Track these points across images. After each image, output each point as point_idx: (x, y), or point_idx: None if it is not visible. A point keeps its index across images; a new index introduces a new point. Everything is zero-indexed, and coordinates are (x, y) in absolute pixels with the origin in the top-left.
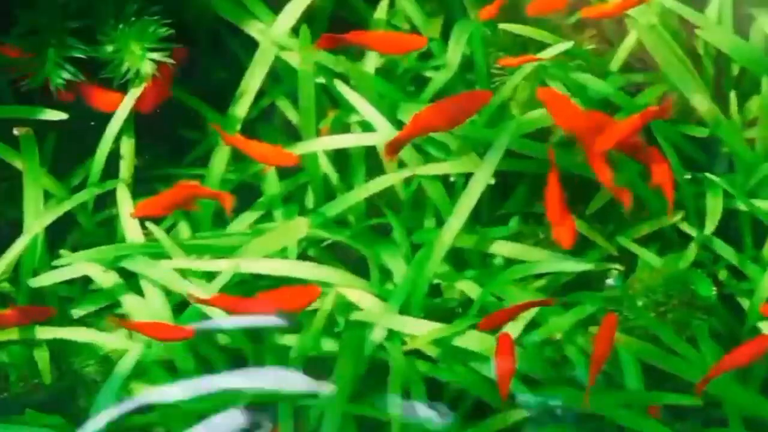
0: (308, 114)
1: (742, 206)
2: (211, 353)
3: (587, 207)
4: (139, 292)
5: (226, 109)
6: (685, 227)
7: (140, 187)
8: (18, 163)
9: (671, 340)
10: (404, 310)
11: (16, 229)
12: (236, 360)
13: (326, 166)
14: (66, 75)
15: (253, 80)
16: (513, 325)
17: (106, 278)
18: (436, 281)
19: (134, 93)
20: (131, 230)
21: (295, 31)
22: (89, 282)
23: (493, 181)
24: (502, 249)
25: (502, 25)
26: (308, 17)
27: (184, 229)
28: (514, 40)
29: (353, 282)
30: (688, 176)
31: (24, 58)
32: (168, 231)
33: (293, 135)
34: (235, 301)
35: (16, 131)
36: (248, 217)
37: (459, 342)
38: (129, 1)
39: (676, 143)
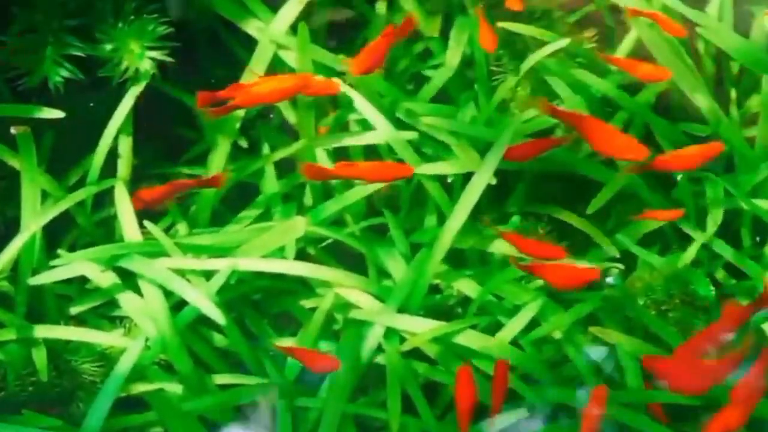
0: (307, 113)
1: (742, 205)
2: (208, 355)
3: (587, 206)
4: (138, 291)
5: None
6: (685, 227)
7: (138, 186)
8: (15, 162)
9: (672, 339)
10: (403, 310)
11: (14, 228)
12: (232, 362)
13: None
14: (64, 73)
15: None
16: (512, 324)
17: (104, 277)
18: (435, 281)
19: (134, 91)
20: (129, 229)
21: (293, 29)
22: (88, 281)
23: (494, 181)
24: (501, 248)
25: (501, 24)
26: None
27: (182, 228)
28: (514, 38)
29: (352, 281)
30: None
31: (22, 56)
32: (166, 230)
33: (292, 134)
34: None
35: (13, 130)
36: (246, 216)
37: (458, 340)
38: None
39: (677, 142)
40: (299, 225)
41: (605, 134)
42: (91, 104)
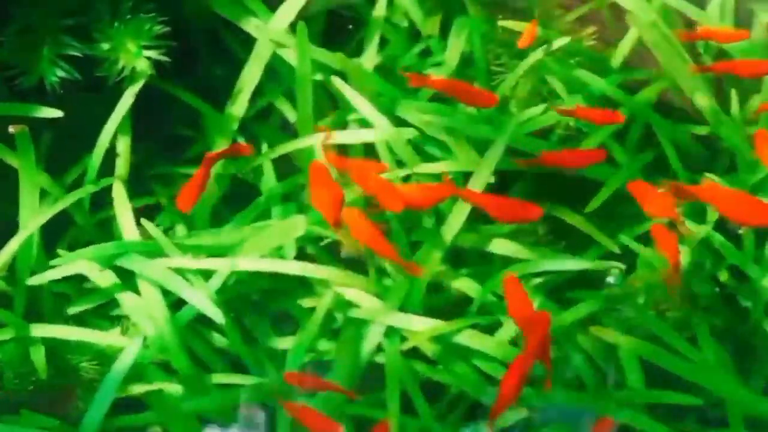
0: (306, 112)
1: None
2: (207, 354)
3: (587, 205)
4: (137, 291)
5: (224, 107)
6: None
7: (137, 185)
8: (13, 161)
9: (672, 339)
10: (403, 309)
11: (12, 227)
12: (232, 362)
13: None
14: (61, 73)
15: (250, 77)
16: (508, 324)
17: (102, 277)
18: (435, 280)
19: (132, 91)
20: (128, 228)
21: (293, 28)
22: (86, 280)
23: (492, 180)
24: (501, 247)
25: (501, 22)
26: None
27: (181, 228)
28: (513, 37)
29: (351, 280)
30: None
31: (19, 55)
32: (166, 230)
33: (292, 133)
34: None
35: (11, 129)
36: (246, 216)
37: (458, 340)
38: None
39: (677, 141)
40: (299, 224)
41: (734, 201)
42: (89, 104)
